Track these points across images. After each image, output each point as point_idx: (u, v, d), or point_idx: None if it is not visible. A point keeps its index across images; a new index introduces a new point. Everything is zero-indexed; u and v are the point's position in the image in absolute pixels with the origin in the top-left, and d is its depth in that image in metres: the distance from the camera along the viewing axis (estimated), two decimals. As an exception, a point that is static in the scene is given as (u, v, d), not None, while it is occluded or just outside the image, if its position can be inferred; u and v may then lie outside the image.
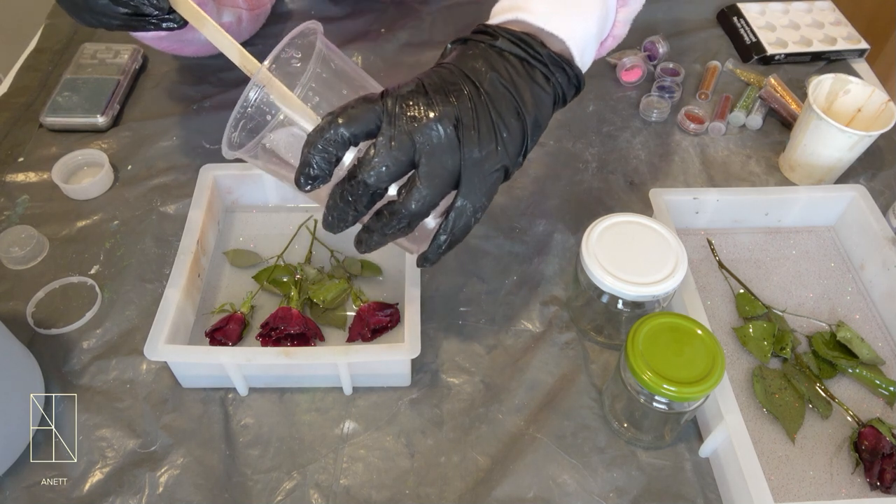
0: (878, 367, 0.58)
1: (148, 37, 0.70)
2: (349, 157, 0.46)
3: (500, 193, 0.71)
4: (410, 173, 0.44)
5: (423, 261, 0.48)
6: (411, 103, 0.43)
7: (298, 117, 0.46)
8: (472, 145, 0.43)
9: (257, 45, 0.85)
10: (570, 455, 0.53)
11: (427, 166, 0.43)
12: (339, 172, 0.45)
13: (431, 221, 0.49)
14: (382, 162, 0.42)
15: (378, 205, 0.45)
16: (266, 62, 0.46)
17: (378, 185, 0.43)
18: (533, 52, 0.47)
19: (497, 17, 0.50)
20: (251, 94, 0.47)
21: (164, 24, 0.52)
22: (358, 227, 0.48)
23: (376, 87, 0.50)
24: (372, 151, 0.43)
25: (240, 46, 0.49)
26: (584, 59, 0.51)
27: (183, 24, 0.52)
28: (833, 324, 0.60)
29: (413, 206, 0.43)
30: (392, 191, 0.45)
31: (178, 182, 0.71)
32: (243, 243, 0.66)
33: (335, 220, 0.45)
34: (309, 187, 0.44)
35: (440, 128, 0.43)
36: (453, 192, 0.45)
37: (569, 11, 0.49)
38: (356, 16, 0.91)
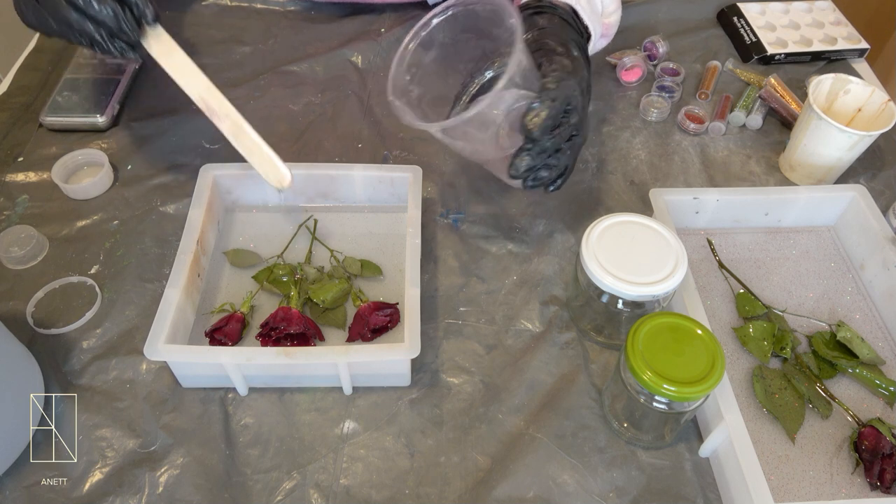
0: (878, 367, 0.58)
1: None
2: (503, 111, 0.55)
3: (501, 193, 0.71)
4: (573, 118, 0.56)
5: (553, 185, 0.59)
6: (580, 81, 0.57)
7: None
8: (586, 102, 0.60)
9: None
10: (570, 455, 0.53)
11: (582, 113, 0.57)
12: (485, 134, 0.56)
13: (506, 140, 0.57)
14: (578, 115, 0.56)
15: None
16: None
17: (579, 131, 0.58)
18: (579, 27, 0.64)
19: None
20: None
21: (126, 55, 0.58)
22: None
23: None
24: (571, 112, 0.55)
25: (207, 83, 0.58)
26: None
27: (144, 58, 0.58)
28: (833, 324, 0.60)
29: (582, 138, 0.59)
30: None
31: (178, 182, 0.71)
32: (243, 243, 0.66)
33: (537, 161, 0.55)
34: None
35: (583, 95, 0.57)
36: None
37: None
38: (356, 16, 0.91)
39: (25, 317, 0.60)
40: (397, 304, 0.60)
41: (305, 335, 0.57)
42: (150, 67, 0.83)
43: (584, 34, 0.64)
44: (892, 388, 0.56)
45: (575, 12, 0.63)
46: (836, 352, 0.58)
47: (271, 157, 0.58)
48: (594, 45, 0.68)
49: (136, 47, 0.58)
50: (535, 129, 0.53)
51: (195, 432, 0.54)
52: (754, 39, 0.86)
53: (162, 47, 0.58)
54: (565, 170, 0.58)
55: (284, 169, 0.58)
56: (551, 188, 0.59)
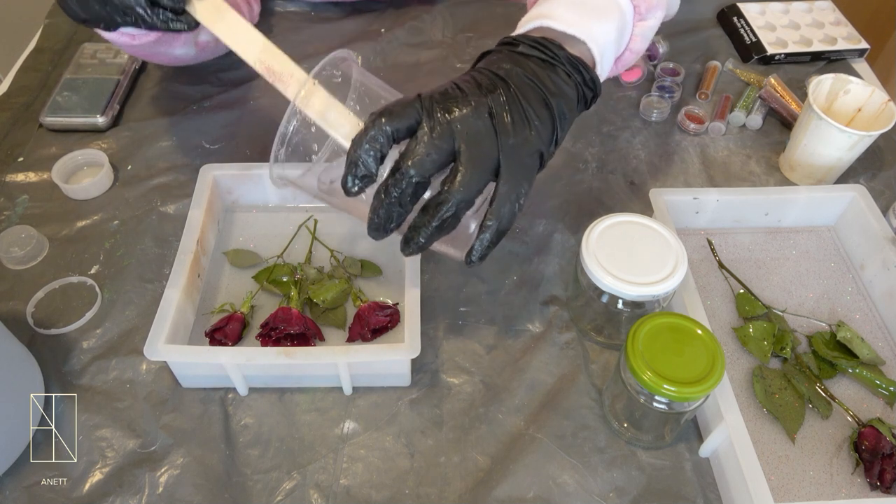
0: (878, 367, 0.58)
1: (120, 41, 0.65)
2: (387, 166, 0.46)
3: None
4: (451, 166, 0.45)
5: (470, 257, 0.48)
6: (447, 99, 0.46)
7: (340, 128, 0.48)
8: (508, 132, 0.46)
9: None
10: (570, 455, 0.53)
11: (468, 152, 0.45)
12: (378, 180, 0.46)
13: (471, 224, 0.50)
14: (425, 150, 0.44)
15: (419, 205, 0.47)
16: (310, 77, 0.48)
17: (422, 174, 0.44)
18: (552, 53, 0.50)
19: (523, 26, 0.54)
20: (290, 123, 0.48)
21: (172, 24, 0.53)
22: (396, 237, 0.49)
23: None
24: (414, 143, 0.44)
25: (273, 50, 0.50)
26: (602, 65, 0.54)
27: (195, 25, 0.53)
28: (833, 324, 0.60)
29: (459, 191, 0.44)
30: (428, 195, 0.47)
31: (178, 182, 0.71)
32: (243, 243, 0.66)
33: (381, 220, 0.46)
34: (357, 188, 0.45)
35: (476, 117, 0.45)
36: (492, 186, 0.46)
37: (590, 17, 0.53)
38: (356, 16, 0.91)
39: (25, 317, 0.60)
40: (397, 304, 0.60)
41: (305, 335, 0.57)
42: (150, 67, 0.84)
43: (574, 74, 0.50)
44: (892, 388, 0.56)
45: (549, 41, 0.50)
46: (836, 352, 0.58)
47: (349, 115, 0.49)
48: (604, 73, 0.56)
49: (181, 13, 0.52)
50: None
51: (195, 432, 0.54)
52: (754, 39, 0.86)
53: (209, 9, 0.52)
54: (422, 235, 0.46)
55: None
56: (404, 249, 0.48)
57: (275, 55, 0.51)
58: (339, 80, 0.52)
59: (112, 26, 0.55)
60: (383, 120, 0.44)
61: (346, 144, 0.47)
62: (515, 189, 0.46)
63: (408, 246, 0.48)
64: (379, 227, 0.47)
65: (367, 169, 0.45)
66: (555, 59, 0.49)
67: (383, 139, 0.44)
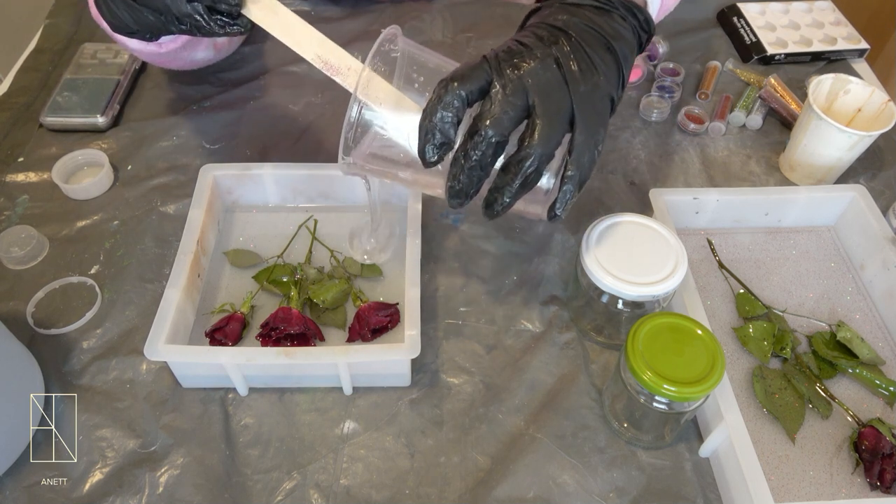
0: (878, 367, 0.58)
1: (134, 47, 0.65)
2: (462, 129, 0.46)
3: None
4: (526, 122, 0.45)
5: (554, 211, 0.48)
6: (513, 55, 0.45)
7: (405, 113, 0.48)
8: (577, 81, 0.45)
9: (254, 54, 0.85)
10: (570, 455, 0.53)
11: (542, 105, 0.44)
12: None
13: (548, 181, 0.50)
14: (501, 108, 0.44)
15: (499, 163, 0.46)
16: (366, 65, 0.48)
17: (501, 132, 0.44)
18: (604, 0, 0.50)
19: None
20: (354, 110, 0.48)
21: (229, 29, 0.52)
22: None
23: None
24: (489, 103, 0.44)
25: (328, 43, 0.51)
26: (652, 6, 0.54)
27: (250, 27, 0.52)
28: (833, 324, 0.60)
29: (540, 144, 0.44)
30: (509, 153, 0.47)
31: (178, 182, 0.71)
32: (243, 243, 0.66)
33: (463, 185, 0.46)
34: (436, 156, 0.45)
35: (545, 69, 0.45)
36: (568, 137, 0.46)
37: None
38: (356, 16, 0.91)
39: (25, 317, 0.60)
40: (397, 304, 0.60)
41: (305, 335, 0.57)
42: (150, 67, 0.84)
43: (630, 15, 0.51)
44: (892, 388, 0.56)
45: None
46: (836, 352, 0.58)
47: (411, 104, 0.49)
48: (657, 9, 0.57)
49: (237, 17, 0.51)
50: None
51: (195, 432, 0.54)
52: (754, 39, 0.86)
53: (263, 9, 0.51)
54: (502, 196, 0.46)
55: None
56: (488, 213, 0.48)
57: (331, 50, 0.51)
58: (398, 54, 0.53)
59: (158, 36, 0.54)
60: (456, 84, 0.44)
61: (398, 122, 0.48)
62: (593, 136, 0.46)
63: (491, 209, 0.47)
64: (460, 194, 0.46)
65: (444, 136, 0.44)
66: (608, 3, 0.50)
67: (458, 103, 0.44)
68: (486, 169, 0.45)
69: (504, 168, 0.45)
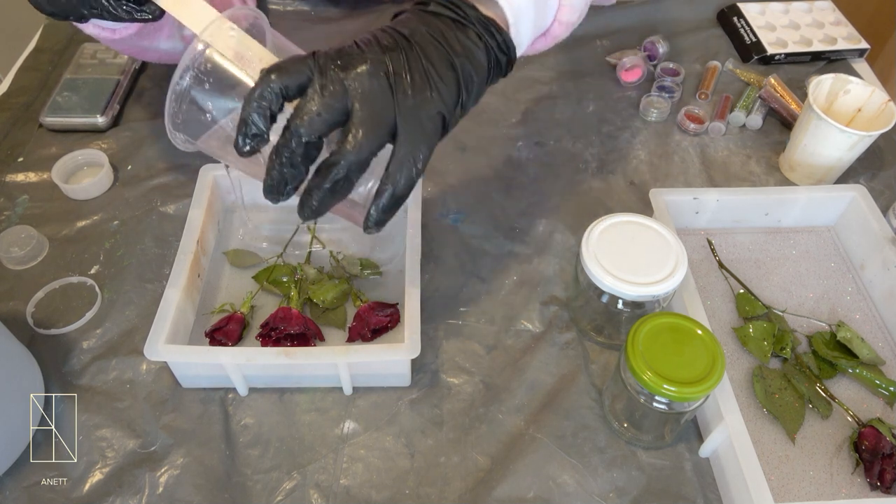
0: (878, 367, 0.58)
1: (90, 32, 0.64)
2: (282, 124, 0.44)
3: (500, 193, 0.71)
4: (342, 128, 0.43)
5: (367, 224, 0.46)
6: (342, 56, 0.43)
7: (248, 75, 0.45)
8: (406, 93, 0.43)
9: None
10: (570, 455, 0.53)
11: (361, 112, 0.42)
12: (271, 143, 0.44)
13: (366, 191, 0.48)
14: (315, 109, 0.42)
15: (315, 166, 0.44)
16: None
17: (311, 133, 0.42)
18: (462, 13, 0.47)
19: None
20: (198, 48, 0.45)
21: (137, 15, 0.52)
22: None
23: None
24: (304, 101, 0.42)
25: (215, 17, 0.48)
26: (518, 29, 0.50)
27: (159, 14, 0.52)
28: (833, 324, 0.60)
29: (350, 152, 0.42)
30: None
31: (178, 182, 0.71)
32: (243, 243, 0.66)
33: (275, 182, 0.44)
34: (248, 147, 0.43)
35: (372, 75, 0.43)
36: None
37: None
38: (356, 16, 0.91)
39: (25, 317, 0.60)
40: (397, 304, 0.60)
41: (305, 335, 0.57)
42: (150, 67, 0.84)
43: (487, 35, 0.48)
44: (892, 388, 0.56)
45: (463, 1, 0.48)
46: (836, 352, 0.58)
47: (267, 54, 0.47)
48: (526, 42, 0.53)
49: (144, 2, 0.52)
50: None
51: (195, 432, 0.54)
52: (754, 39, 0.86)
53: None
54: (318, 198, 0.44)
55: None
56: (299, 213, 0.46)
57: (234, 38, 0.47)
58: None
59: (81, 18, 0.55)
60: (272, 76, 0.42)
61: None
62: (412, 152, 0.44)
63: (302, 210, 0.45)
64: (273, 190, 0.44)
65: (256, 128, 0.42)
66: (465, 18, 0.47)
67: (272, 96, 0.42)
68: (297, 168, 0.43)
69: (316, 170, 0.44)
